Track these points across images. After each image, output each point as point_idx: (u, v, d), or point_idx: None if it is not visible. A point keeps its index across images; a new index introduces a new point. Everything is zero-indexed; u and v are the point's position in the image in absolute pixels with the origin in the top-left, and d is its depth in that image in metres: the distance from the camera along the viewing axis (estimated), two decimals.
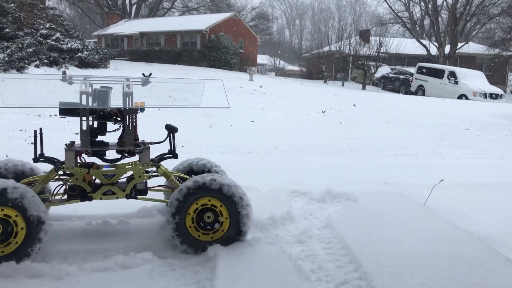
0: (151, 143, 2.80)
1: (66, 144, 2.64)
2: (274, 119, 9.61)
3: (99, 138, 2.71)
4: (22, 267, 2.17)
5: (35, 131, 2.65)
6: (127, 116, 2.63)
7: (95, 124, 2.67)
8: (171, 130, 2.79)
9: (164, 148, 2.92)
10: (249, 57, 35.31)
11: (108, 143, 2.72)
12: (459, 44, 32.18)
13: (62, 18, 23.12)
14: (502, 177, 4.85)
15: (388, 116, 11.07)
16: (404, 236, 2.72)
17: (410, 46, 33.06)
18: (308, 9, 71.02)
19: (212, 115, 8.76)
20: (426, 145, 7.27)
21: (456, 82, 21.89)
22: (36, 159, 2.64)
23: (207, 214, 2.51)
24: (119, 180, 2.72)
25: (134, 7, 46.09)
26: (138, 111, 2.65)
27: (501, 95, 21.69)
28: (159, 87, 2.86)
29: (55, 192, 2.70)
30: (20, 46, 17.24)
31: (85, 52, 20.85)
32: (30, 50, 17.60)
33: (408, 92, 24.59)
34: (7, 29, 17.47)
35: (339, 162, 5.52)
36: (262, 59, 52.23)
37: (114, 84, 2.68)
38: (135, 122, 2.69)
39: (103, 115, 2.64)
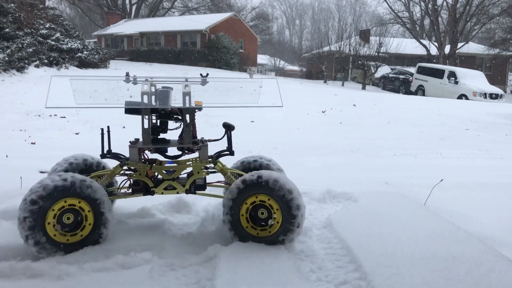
0: (209, 140, 2.89)
1: (130, 142, 2.77)
2: (274, 119, 9.62)
3: (161, 135, 2.82)
4: (22, 267, 2.17)
5: (102, 129, 2.84)
6: (186, 114, 2.72)
7: (157, 122, 2.79)
8: (228, 128, 2.86)
9: (222, 145, 2.99)
10: (249, 57, 35.32)
11: (169, 140, 2.82)
12: (459, 44, 32.19)
13: (62, 18, 23.12)
14: (502, 177, 4.85)
15: (388, 116, 11.07)
16: (404, 236, 2.72)
17: (410, 46, 33.07)
18: (308, 9, 71.08)
19: (212, 115, 8.76)
20: (426, 145, 7.27)
21: (456, 82, 21.89)
22: (103, 155, 2.80)
23: (261, 210, 2.55)
24: (180, 176, 2.82)
25: (134, 7, 46.11)
26: (196, 110, 2.76)
27: (501, 95, 21.70)
28: (216, 86, 2.97)
29: (121, 186, 2.86)
30: (20, 46, 17.23)
31: (85, 52, 20.85)
32: (30, 50, 17.59)
33: (408, 92, 24.59)
34: (7, 29, 17.47)
35: (339, 162, 5.52)
36: (262, 59, 52.23)
37: (173, 84, 2.79)
38: (194, 120, 2.79)
39: (164, 114, 2.76)
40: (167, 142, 2.79)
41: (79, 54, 20.60)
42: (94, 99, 2.87)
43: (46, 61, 18.49)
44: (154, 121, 2.76)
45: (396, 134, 8.52)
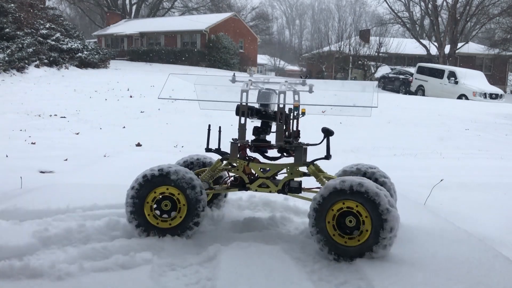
0: (308, 144, 2.92)
1: (232, 139, 2.89)
2: None
3: (266, 137, 2.94)
4: (22, 267, 2.17)
5: (209, 125, 2.99)
6: (280, 113, 2.79)
7: (260, 123, 2.93)
8: (327, 133, 2.85)
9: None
10: (249, 57, 35.32)
11: (269, 141, 2.92)
12: (459, 44, 32.19)
13: (62, 18, 23.12)
14: (502, 177, 4.85)
15: (388, 116, 11.07)
16: (404, 236, 2.72)
17: (410, 46, 33.06)
18: (308, 9, 71.04)
19: (212, 115, 8.75)
20: (426, 145, 7.28)
21: (456, 82, 21.89)
22: (207, 150, 2.95)
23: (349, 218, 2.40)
24: (277, 177, 2.91)
25: (134, 7, 46.09)
26: (295, 113, 2.86)
27: (501, 95, 21.70)
28: (324, 88, 3.06)
29: (225, 181, 3.06)
30: (20, 46, 17.23)
31: (85, 52, 20.85)
32: (30, 50, 17.59)
33: (408, 92, 24.59)
34: (7, 29, 17.47)
35: (339, 162, 5.51)
36: (262, 59, 52.21)
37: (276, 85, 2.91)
38: (293, 122, 2.88)
39: (266, 115, 2.86)
40: (265, 142, 2.89)
41: (79, 54, 20.60)
42: (213, 104, 3.02)
43: (46, 61, 18.49)
44: (252, 121, 2.90)
45: (396, 134, 8.52)
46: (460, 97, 21.01)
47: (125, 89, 14.06)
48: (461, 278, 2.18)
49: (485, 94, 21.11)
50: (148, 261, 2.34)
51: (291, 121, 2.90)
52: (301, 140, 2.99)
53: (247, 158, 2.90)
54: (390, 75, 27.63)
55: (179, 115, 9.63)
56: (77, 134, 7.35)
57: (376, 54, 28.48)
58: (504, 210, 3.64)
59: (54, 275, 2.14)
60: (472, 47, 32.84)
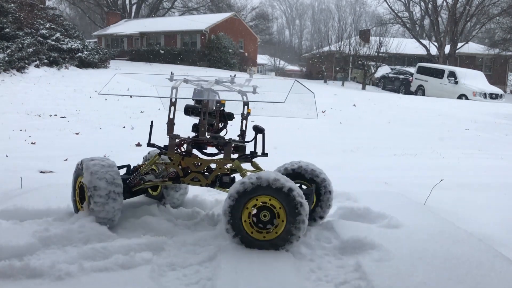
0: (236, 141, 3.03)
1: (173, 135, 3.04)
2: (274, 119, 9.61)
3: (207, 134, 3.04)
4: (22, 267, 2.17)
5: (152, 122, 3.14)
6: (203, 109, 2.95)
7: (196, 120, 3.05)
8: (258, 130, 2.97)
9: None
10: (249, 57, 35.31)
11: (205, 137, 3.04)
12: (459, 44, 32.17)
13: (62, 18, 23.13)
14: (502, 177, 4.85)
15: (388, 116, 11.07)
16: (404, 236, 2.72)
17: (410, 46, 33.05)
18: (308, 9, 71.03)
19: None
20: (426, 145, 7.28)
21: (456, 82, 21.89)
22: (149, 145, 3.08)
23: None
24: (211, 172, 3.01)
25: (134, 7, 46.09)
26: (222, 108, 2.99)
27: (501, 95, 21.70)
28: (265, 97, 3.12)
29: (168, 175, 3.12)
30: (20, 46, 17.23)
31: (85, 52, 20.85)
32: (30, 50, 17.60)
33: (408, 92, 24.59)
34: (7, 29, 17.47)
35: (339, 162, 5.52)
36: (262, 59, 52.19)
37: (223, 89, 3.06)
38: (217, 117, 3.01)
39: (198, 113, 2.99)
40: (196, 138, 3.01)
41: (79, 54, 20.60)
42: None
43: (46, 61, 18.49)
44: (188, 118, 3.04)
45: (396, 134, 8.53)
46: (460, 97, 21.01)
47: (125, 89, 14.04)
48: (461, 278, 2.18)
49: (485, 94, 21.11)
50: (148, 261, 2.34)
51: (242, 121, 3.04)
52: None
53: (182, 153, 3.02)
54: (390, 75, 27.62)
55: (179, 114, 9.63)
56: (77, 134, 7.35)
57: (376, 54, 28.45)
58: (504, 210, 3.64)
59: (54, 275, 2.14)
60: (472, 47, 32.83)
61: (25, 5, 19.77)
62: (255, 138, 2.99)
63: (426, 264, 2.32)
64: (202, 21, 32.80)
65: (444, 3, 33.16)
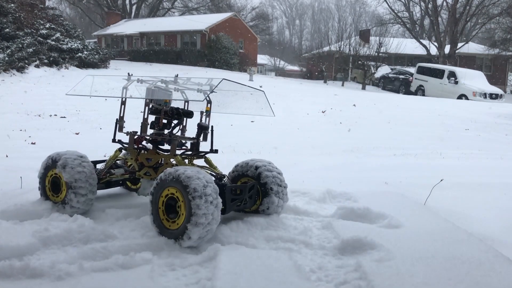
0: (183, 138, 3.22)
1: (133, 131, 3.25)
2: (274, 119, 9.62)
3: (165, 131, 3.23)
4: (22, 267, 2.17)
5: (117, 119, 3.34)
6: (146, 107, 3.23)
7: (153, 118, 3.23)
8: (201, 128, 3.16)
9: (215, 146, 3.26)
10: (249, 57, 35.30)
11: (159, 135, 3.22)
12: (459, 44, 32.17)
13: (62, 18, 23.13)
14: (502, 177, 4.85)
15: (388, 116, 11.08)
16: (404, 236, 2.72)
17: (410, 46, 33.05)
18: (308, 9, 71.00)
19: (212, 115, 8.75)
20: (426, 145, 7.28)
21: (456, 82, 21.89)
22: (113, 141, 3.30)
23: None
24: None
25: (134, 7, 46.07)
26: (164, 107, 3.15)
27: (501, 95, 21.70)
28: (225, 94, 3.31)
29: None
30: (20, 46, 17.24)
31: (85, 52, 20.85)
32: (30, 50, 17.60)
33: (408, 92, 24.59)
34: (7, 29, 17.47)
35: (339, 162, 5.52)
36: (262, 59, 52.17)
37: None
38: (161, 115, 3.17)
39: (155, 111, 3.18)
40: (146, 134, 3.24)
41: (79, 54, 20.60)
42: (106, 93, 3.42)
43: (46, 61, 18.49)
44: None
45: (396, 134, 8.53)
46: (460, 97, 21.00)
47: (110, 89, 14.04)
48: (461, 278, 2.18)
49: (485, 94, 21.10)
50: (148, 261, 2.34)
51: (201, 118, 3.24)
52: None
53: (139, 148, 3.22)
54: (390, 75, 27.61)
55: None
56: (77, 134, 7.35)
57: (376, 54, 28.46)
58: (504, 210, 3.64)
59: (54, 275, 2.14)
60: (472, 47, 32.83)
61: (25, 5, 19.77)
62: (198, 135, 3.16)
63: (426, 264, 2.32)
64: (202, 21, 32.79)
65: (444, 3, 33.20)
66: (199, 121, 3.20)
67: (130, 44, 35.18)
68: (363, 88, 25.96)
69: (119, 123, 3.30)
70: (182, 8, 48.44)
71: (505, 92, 27.01)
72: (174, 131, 3.25)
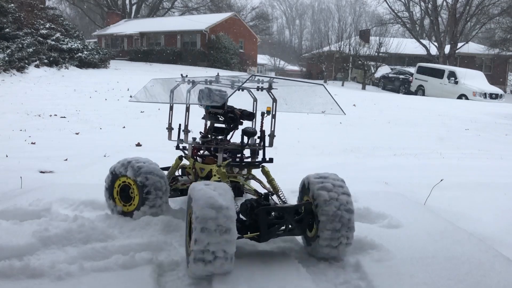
0: (227, 145, 2.88)
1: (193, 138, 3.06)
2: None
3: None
4: (22, 267, 2.17)
5: (180, 125, 3.11)
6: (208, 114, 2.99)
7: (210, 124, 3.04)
8: (246, 134, 2.83)
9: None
10: (249, 57, 35.30)
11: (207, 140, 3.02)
12: (459, 44, 32.17)
13: (62, 18, 23.14)
14: (502, 177, 4.85)
15: (388, 116, 11.07)
16: (404, 236, 2.72)
17: (410, 46, 33.04)
18: (308, 9, 70.99)
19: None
20: (426, 145, 7.27)
21: (456, 82, 21.90)
22: (177, 147, 3.14)
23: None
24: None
25: (134, 7, 46.09)
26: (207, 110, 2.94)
27: (501, 95, 21.71)
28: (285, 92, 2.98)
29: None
30: (20, 46, 17.24)
31: (85, 52, 20.86)
32: (30, 50, 17.60)
33: (408, 92, 24.59)
34: (7, 29, 17.48)
35: (339, 162, 5.51)
36: (262, 59, 52.17)
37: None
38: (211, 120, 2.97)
39: (214, 116, 2.95)
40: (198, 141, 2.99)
41: (79, 54, 20.61)
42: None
43: (46, 61, 18.49)
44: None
45: (396, 134, 8.52)
46: (460, 97, 21.01)
47: (125, 89, 14.05)
48: (461, 278, 2.18)
49: (485, 94, 21.11)
50: (148, 261, 2.34)
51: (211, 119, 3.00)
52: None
53: (195, 157, 3.05)
54: (390, 75, 27.62)
55: (179, 115, 9.63)
56: (77, 134, 7.35)
57: (376, 54, 28.46)
58: (504, 210, 3.64)
59: (54, 275, 2.14)
60: (472, 47, 32.82)
61: (25, 5, 19.78)
62: (243, 142, 2.84)
63: (426, 264, 2.32)
64: (202, 21, 32.80)
65: (444, 3, 33.20)
66: (244, 128, 2.87)
67: (130, 44, 35.18)
68: (363, 88, 25.97)
69: (184, 131, 3.06)
70: (182, 8, 48.45)
71: (505, 92, 27.00)
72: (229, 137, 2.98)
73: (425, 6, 35.15)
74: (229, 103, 3.00)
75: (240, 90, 3.02)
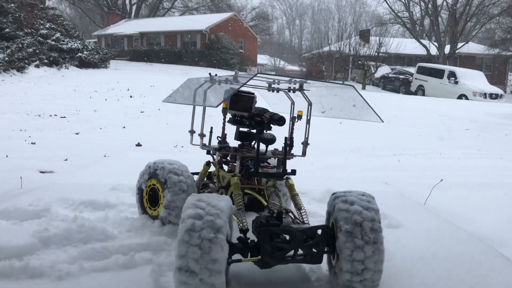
0: (243, 154, 2.57)
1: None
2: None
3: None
4: (22, 267, 2.17)
5: (211, 128, 2.78)
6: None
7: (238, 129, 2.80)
8: (263, 141, 2.52)
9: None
10: (249, 57, 35.30)
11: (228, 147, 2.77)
12: (459, 44, 32.17)
13: (62, 18, 23.14)
14: (502, 177, 4.85)
15: (388, 116, 11.06)
16: (404, 236, 2.72)
17: (410, 46, 33.04)
18: (308, 9, 70.96)
19: (212, 115, 8.75)
20: (426, 145, 7.28)
21: (456, 82, 21.90)
22: (208, 152, 2.85)
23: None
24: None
25: (134, 7, 46.08)
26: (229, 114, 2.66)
27: (501, 95, 21.71)
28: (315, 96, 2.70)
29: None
30: (20, 46, 17.24)
31: (85, 52, 20.85)
32: (30, 50, 17.59)
33: (408, 92, 24.59)
34: (7, 29, 17.48)
35: (339, 162, 5.52)
36: (262, 59, 52.15)
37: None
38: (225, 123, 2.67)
39: (239, 120, 2.70)
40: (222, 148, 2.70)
41: (79, 54, 20.60)
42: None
43: (46, 61, 18.48)
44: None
45: (396, 134, 8.52)
46: (460, 97, 21.01)
47: (125, 89, 14.05)
48: (461, 278, 2.18)
49: (485, 94, 21.11)
50: (148, 261, 2.34)
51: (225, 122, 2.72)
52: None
53: (221, 164, 2.81)
54: (390, 75, 27.62)
55: (180, 115, 9.61)
56: (77, 134, 7.35)
57: (376, 54, 28.47)
58: (504, 210, 3.64)
59: (54, 275, 2.14)
60: (472, 47, 32.82)
61: (25, 5, 19.77)
62: (260, 150, 2.51)
63: (426, 264, 2.32)
64: (202, 21, 32.80)
65: (444, 3, 33.21)
66: (260, 135, 2.57)
67: (130, 44, 35.19)
68: (363, 88, 25.97)
69: (200, 134, 2.76)
70: (182, 8, 48.44)
71: (505, 92, 27.01)
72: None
73: (425, 6, 35.17)
74: (267, 107, 2.78)
75: (275, 91, 2.74)
